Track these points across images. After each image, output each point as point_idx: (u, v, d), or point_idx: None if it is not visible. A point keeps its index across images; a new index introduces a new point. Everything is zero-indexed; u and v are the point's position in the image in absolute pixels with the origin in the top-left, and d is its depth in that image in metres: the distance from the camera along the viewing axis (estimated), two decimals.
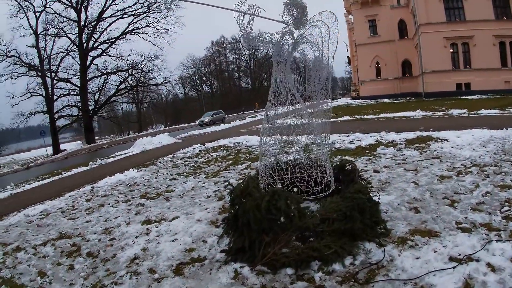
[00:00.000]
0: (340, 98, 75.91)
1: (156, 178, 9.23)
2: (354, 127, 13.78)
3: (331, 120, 5.47)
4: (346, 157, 8.04)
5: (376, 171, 6.58)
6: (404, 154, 7.78)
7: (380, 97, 40.50)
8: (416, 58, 38.11)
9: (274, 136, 4.35)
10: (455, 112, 16.41)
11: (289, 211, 3.21)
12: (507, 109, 15.56)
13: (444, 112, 16.76)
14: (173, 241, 4.61)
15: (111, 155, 18.61)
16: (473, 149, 7.54)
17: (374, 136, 10.52)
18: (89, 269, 4.26)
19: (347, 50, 62.21)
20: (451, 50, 34.12)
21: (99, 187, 9.22)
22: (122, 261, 4.28)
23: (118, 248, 4.71)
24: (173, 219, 5.47)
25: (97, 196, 8.26)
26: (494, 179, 5.34)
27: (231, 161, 9.99)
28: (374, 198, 3.93)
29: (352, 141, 10.28)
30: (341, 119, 19.03)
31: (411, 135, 10.00)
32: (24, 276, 4.40)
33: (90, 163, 15.77)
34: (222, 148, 12.91)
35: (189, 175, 8.98)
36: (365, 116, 19.05)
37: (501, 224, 3.78)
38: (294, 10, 4.06)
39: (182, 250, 4.26)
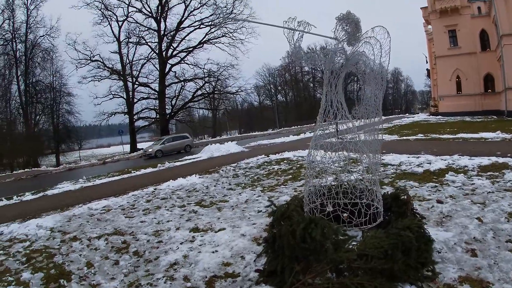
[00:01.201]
0: (418, 113, 72.49)
1: (215, 186, 9.49)
2: (427, 147, 12.99)
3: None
4: (411, 182, 7.68)
5: (439, 201, 6.07)
6: (474, 183, 7.14)
7: (460, 114, 37.75)
8: (499, 72, 35.02)
9: (339, 152, 4.18)
10: None
11: (324, 241, 3.06)
12: None
13: None
14: (213, 252, 4.69)
15: (180, 159, 19.49)
16: None
17: (445, 160, 9.82)
18: (131, 267, 4.52)
19: (427, 62, 59.02)
20: None
21: (161, 189, 9.70)
22: (162, 264, 4.47)
23: (162, 251, 4.94)
24: (219, 230, 5.56)
25: (157, 198, 8.72)
26: None
27: (290, 176, 9.94)
28: (427, 234, 3.62)
29: (421, 163, 9.67)
30: (414, 137, 18.08)
31: (486, 160, 9.18)
32: (73, 264, 4.79)
33: (159, 165, 16.62)
34: (285, 161, 12.93)
35: (246, 186, 9.10)
36: (440, 136, 17.89)
37: None
38: (347, 25, 3.90)
39: (219, 263, 4.31)
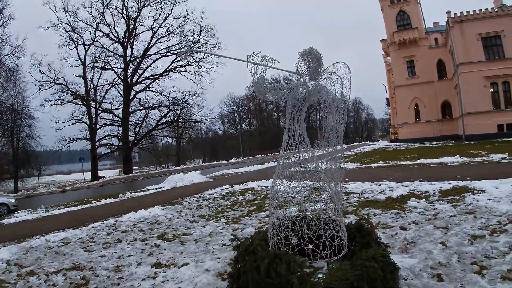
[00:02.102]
0: (379, 140, 74.92)
1: (178, 218, 9.21)
2: (388, 174, 13.27)
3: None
4: (374, 210, 7.75)
5: (402, 228, 6.13)
6: (436, 208, 7.29)
7: (419, 140, 39.39)
8: (456, 99, 37.20)
9: (303, 182, 4.12)
10: (495, 157, 15.66)
11: (289, 276, 2.96)
12: None
13: (483, 158, 16.02)
14: None
15: (143, 189, 19.02)
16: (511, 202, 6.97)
17: (407, 186, 10.02)
18: None
19: (386, 92, 61.75)
20: (491, 90, 33.20)
21: (122, 221, 9.35)
22: None
23: None
24: (182, 265, 5.33)
25: (117, 230, 8.38)
26: None
27: (255, 207, 9.80)
28: (393, 262, 3.59)
29: (383, 191, 9.81)
30: (375, 165, 18.54)
31: (446, 185, 9.44)
32: None
33: (120, 195, 16.11)
34: (249, 191, 12.78)
35: (210, 218, 8.87)
36: (401, 162, 18.44)
37: None
38: (309, 60, 3.95)
39: None
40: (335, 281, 2.95)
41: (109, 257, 6.20)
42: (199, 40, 41.37)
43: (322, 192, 5.30)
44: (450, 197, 8.14)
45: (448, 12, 34.87)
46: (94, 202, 14.63)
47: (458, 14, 34.48)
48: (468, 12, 34.16)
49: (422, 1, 44.25)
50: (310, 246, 3.71)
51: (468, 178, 10.17)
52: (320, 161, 4.00)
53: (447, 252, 4.75)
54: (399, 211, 7.44)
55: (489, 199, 7.44)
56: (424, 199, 8.17)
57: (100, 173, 43.59)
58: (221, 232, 7.24)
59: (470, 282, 3.82)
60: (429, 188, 9.34)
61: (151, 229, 8.21)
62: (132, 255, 6.16)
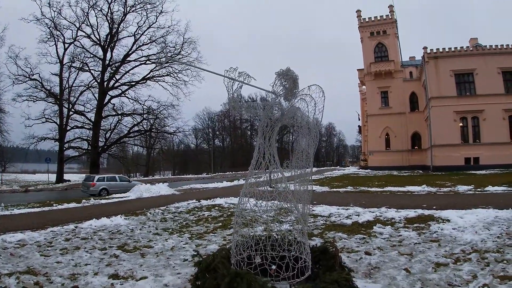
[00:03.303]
0: (349, 166, 76.24)
1: (140, 229, 8.85)
2: (356, 199, 13.40)
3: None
4: (340, 233, 7.72)
5: (367, 253, 6.09)
6: (401, 235, 7.33)
7: (388, 168, 40.33)
8: (426, 131, 38.47)
9: (270, 202, 4.02)
10: (461, 188, 16.15)
11: None
12: None
13: (450, 188, 16.48)
14: None
15: (108, 196, 18.39)
16: (476, 232, 7.14)
17: (373, 212, 10.10)
18: None
19: (359, 119, 63.34)
20: (461, 124, 34.61)
21: (82, 228, 8.93)
22: None
23: None
24: (141, 278, 5.04)
25: (77, 237, 7.97)
26: (495, 268, 4.91)
27: (220, 224, 9.60)
28: (354, 286, 3.52)
29: (350, 215, 9.84)
30: (344, 189, 18.75)
31: (412, 213, 9.59)
32: None
33: (83, 201, 15.52)
34: (216, 207, 12.58)
35: (174, 232, 8.58)
36: (369, 189, 18.74)
37: None
38: (286, 81, 3.93)
39: None
40: None
41: (65, 263, 5.84)
42: (180, 51, 41.22)
43: (289, 213, 5.24)
44: (415, 225, 8.23)
45: (425, 48, 36.42)
46: (56, 206, 14.00)
47: (434, 50, 36.06)
48: (444, 49, 35.84)
49: (401, 36, 45.97)
50: (273, 267, 3.60)
51: (434, 207, 10.38)
52: (288, 182, 3.93)
53: (410, 278, 4.73)
54: (365, 236, 7.44)
55: (454, 228, 7.56)
56: (389, 226, 8.23)
57: (66, 176, 42.12)
58: (183, 247, 6.97)
59: None
60: (395, 215, 9.45)
61: (111, 238, 7.86)
62: (90, 264, 5.83)
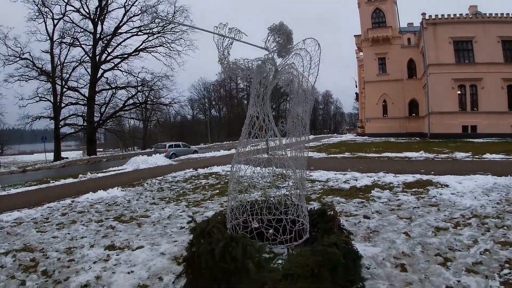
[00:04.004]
0: (346, 133, 76.25)
1: (137, 200, 8.79)
2: (353, 165, 13.38)
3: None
4: (338, 198, 7.68)
5: (366, 217, 6.06)
6: (399, 199, 7.31)
7: (385, 135, 40.26)
8: (424, 98, 38.16)
9: (267, 167, 3.87)
10: (459, 155, 16.13)
11: (246, 261, 2.72)
12: None
13: (447, 155, 16.44)
14: (128, 273, 4.16)
15: (105, 170, 18.30)
16: (475, 197, 7.12)
17: (371, 177, 10.09)
18: None
19: (356, 87, 62.75)
20: (459, 92, 34.24)
21: (78, 202, 8.84)
22: (72, 286, 3.91)
23: (73, 271, 4.33)
24: (137, 248, 5.00)
25: (73, 211, 7.88)
26: (495, 234, 4.89)
27: (217, 191, 9.56)
28: (355, 250, 3.42)
29: (348, 180, 9.82)
30: (341, 155, 18.70)
31: (410, 178, 9.56)
32: None
33: (80, 175, 15.40)
34: (213, 175, 12.52)
35: (171, 201, 8.52)
36: (366, 154, 18.70)
37: None
38: (279, 36, 3.70)
39: (134, 285, 3.84)
40: (295, 267, 2.73)
41: (61, 238, 5.79)
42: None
43: (286, 179, 5.12)
44: (414, 189, 8.22)
45: (423, 14, 35.57)
46: (53, 182, 13.87)
47: (433, 17, 35.22)
48: (443, 15, 35.03)
49: (399, 1, 44.98)
50: (270, 230, 3.50)
51: (432, 172, 10.36)
52: (285, 148, 3.77)
53: (410, 242, 4.69)
54: (363, 200, 7.43)
55: (452, 194, 7.56)
56: (388, 190, 8.24)
57: (64, 154, 41.84)
58: (180, 215, 6.93)
59: (434, 273, 3.74)
60: (393, 180, 9.45)
61: (108, 210, 7.79)
62: (86, 237, 5.78)
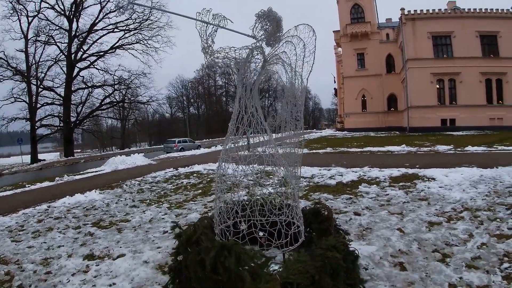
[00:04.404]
0: (325, 129, 76.75)
1: (116, 203, 8.36)
2: (336, 160, 13.22)
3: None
4: (325, 194, 7.49)
5: (356, 214, 5.89)
6: (388, 194, 7.18)
7: (365, 130, 40.67)
8: (402, 92, 38.68)
9: (253, 165, 3.59)
10: (441, 148, 16.25)
11: (239, 272, 2.46)
12: (494, 146, 15.53)
13: (430, 148, 16.54)
14: (110, 285, 3.83)
15: (82, 172, 17.69)
16: (463, 190, 7.05)
17: (356, 172, 9.94)
18: None
19: (335, 82, 63.16)
20: (438, 86, 34.84)
21: (55, 207, 8.36)
22: None
23: (50, 285, 3.99)
24: (118, 257, 4.65)
25: (50, 217, 7.42)
26: (489, 227, 4.80)
27: (200, 190, 9.21)
28: (353, 251, 3.20)
29: (333, 176, 9.63)
30: (323, 151, 18.58)
31: (396, 172, 9.45)
32: None
33: (57, 178, 14.79)
34: (195, 174, 12.14)
35: (152, 203, 8.13)
36: (349, 149, 18.67)
37: (502, 287, 3.20)
38: (267, 23, 3.41)
39: None
40: (293, 275, 2.49)
41: (37, 248, 5.38)
42: (149, 17, 39.38)
43: (272, 176, 4.87)
44: (401, 184, 8.12)
45: (402, 9, 36.08)
46: (29, 186, 13.24)
47: (412, 12, 35.67)
48: (421, 10, 35.60)
49: None
50: (261, 233, 3.25)
51: (417, 166, 10.30)
52: (275, 143, 3.50)
53: (405, 239, 4.53)
54: (351, 196, 7.27)
55: (440, 187, 7.48)
56: (375, 185, 8.11)
57: (41, 156, 40.36)
58: (163, 218, 6.57)
59: (435, 271, 3.58)
60: (379, 174, 9.34)
61: (86, 215, 7.37)
62: (63, 245, 5.38)
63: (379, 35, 43.50)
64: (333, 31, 49.27)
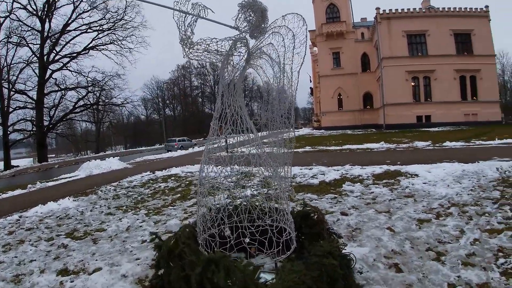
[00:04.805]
0: (301, 128, 77.13)
1: (91, 211, 7.89)
2: (316, 159, 13.10)
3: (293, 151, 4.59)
4: (309, 194, 7.31)
5: (343, 214, 5.71)
6: (373, 192, 7.06)
7: (342, 128, 41.14)
8: (378, 90, 39.23)
9: (236, 166, 3.32)
10: (419, 144, 16.40)
11: (230, 287, 2.20)
12: (472, 141, 15.76)
13: (408, 145, 16.66)
14: None
15: (56, 178, 16.94)
16: (448, 185, 7.02)
17: (338, 170, 9.80)
18: None
19: (310, 81, 63.56)
20: (413, 84, 35.51)
21: (27, 217, 7.81)
22: None
23: None
24: (94, 271, 4.27)
25: (21, 228, 6.89)
26: (479, 222, 4.73)
27: (179, 195, 8.77)
28: (347, 254, 2.99)
29: (315, 175, 9.46)
30: (302, 149, 18.44)
31: (378, 169, 9.37)
32: None
33: (29, 185, 14.09)
34: (172, 178, 11.68)
35: (128, 209, 7.68)
36: (328, 148, 18.62)
37: (501, 284, 3.10)
38: (251, 14, 3.15)
39: None
40: (289, 287, 2.25)
41: (8, 263, 4.92)
42: (123, 17, 38.55)
43: (255, 177, 4.61)
44: (384, 181, 8.03)
45: (378, 8, 36.69)
46: (0, 195, 12.58)
47: (387, 11, 36.25)
48: (396, 10, 36.35)
49: None
50: (247, 240, 2.98)
51: (398, 162, 10.27)
52: (261, 142, 3.23)
53: (397, 238, 4.38)
54: (336, 195, 7.10)
55: (424, 183, 7.43)
56: (359, 183, 8.00)
57: (14, 162, 38.73)
58: (140, 226, 6.16)
59: (432, 270, 3.44)
60: (362, 172, 9.23)
61: (59, 225, 6.90)
62: (35, 260, 4.95)
63: (354, 34, 44.11)
64: (309, 31, 49.53)
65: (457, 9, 35.25)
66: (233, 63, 3.08)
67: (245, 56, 3.15)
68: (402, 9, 36.30)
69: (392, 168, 9.43)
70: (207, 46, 3.02)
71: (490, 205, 5.49)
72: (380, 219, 5.20)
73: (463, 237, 4.26)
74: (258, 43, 3.31)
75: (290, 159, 3.83)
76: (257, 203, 3.36)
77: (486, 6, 35.49)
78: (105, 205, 8.31)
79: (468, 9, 35.41)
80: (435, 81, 34.77)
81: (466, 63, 34.35)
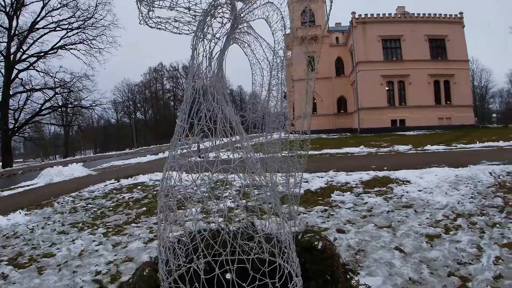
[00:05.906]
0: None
1: (43, 228, 6.65)
2: None
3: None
4: (295, 206, 6.43)
5: (340, 231, 4.87)
6: (367, 202, 6.35)
7: (316, 132, 40.78)
8: (352, 95, 39.38)
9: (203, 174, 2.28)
10: (401, 148, 16.11)
11: None
12: (453, 145, 15.61)
13: (389, 149, 16.27)
14: None
15: (13, 186, 15.40)
16: (446, 193, 6.47)
17: (322, 177, 9.10)
18: None
19: (284, 86, 63.47)
20: (387, 88, 35.68)
21: None
22: None
23: None
24: None
25: None
26: (493, 236, 4.17)
27: (145, 208, 7.66)
28: None
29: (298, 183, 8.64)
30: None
31: (365, 175, 8.73)
32: None
33: None
34: (139, 187, 10.52)
35: (85, 227, 6.51)
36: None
37: None
38: None
39: None
40: None
41: None
42: (93, 15, 37.00)
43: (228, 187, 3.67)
44: (376, 189, 7.40)
45: (353, 13, 36.84)
46: None
47: (363, 16, 36.39)
48: (372, 15, 36.61)
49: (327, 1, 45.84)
50: (228, 275, 1.97)
51: (385, 168, 9.75)
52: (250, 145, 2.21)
53: (410, 261, 3.64)
54: (326, 207, 6.30)
55: (420, 190, 6.89)
56: (348, 192, 7.29)
57: None
58: (96, 251, 5.02)
59: None
60: (349, 179, 8.58)
61: (4, 246, 5.71)
62: None
63: (329, 39, 44.06)
64: (284, 34, 49.36)
65: (432, 15, 35.83)
66: (212, 30, 2.03)
67: (230, 20, 2.13)
68: (378, 14, 36.52)
69: (380, 174, 8.83)
70: (175, 3, 1.97)
71: (497, 214, 5.02)
72: (384, 237, 4.44)
73: (483, 255, 3.65)
74: (247, 7, 2.41)
75: (303, 165, 2.96)
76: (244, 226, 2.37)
77: (461, 13, 36.22)
78: (59, 221, 7.08)
79: (443, 15, 36.02)
80: (410, 85, 35.07)
81: (440, 68, 34.88)
